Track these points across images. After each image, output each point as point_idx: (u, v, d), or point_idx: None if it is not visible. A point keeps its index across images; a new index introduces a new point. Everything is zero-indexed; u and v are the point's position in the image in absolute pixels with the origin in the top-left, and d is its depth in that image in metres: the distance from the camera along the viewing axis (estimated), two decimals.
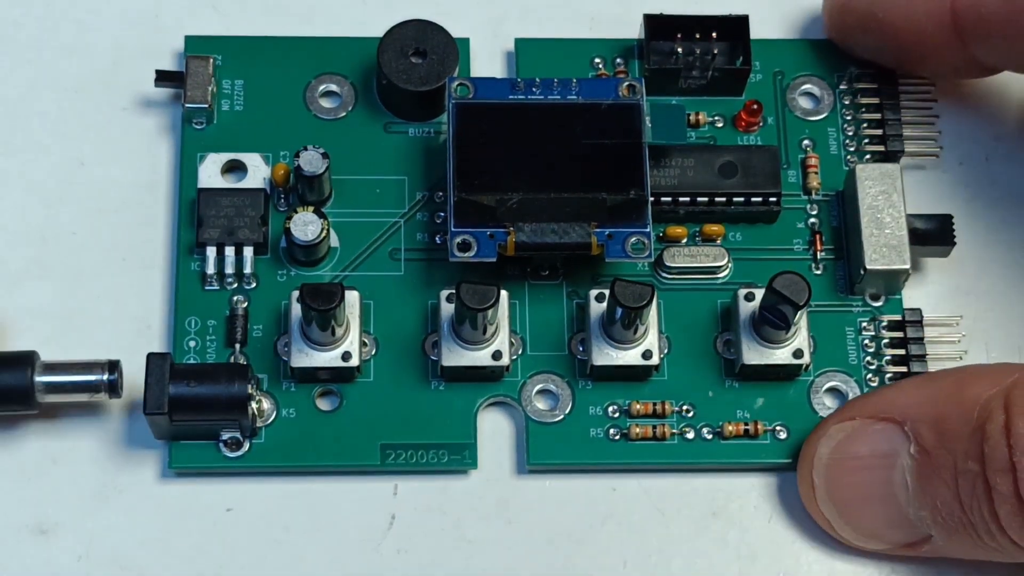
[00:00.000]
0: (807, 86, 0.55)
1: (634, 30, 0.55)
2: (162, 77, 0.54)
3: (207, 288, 0.51)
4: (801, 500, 0.50)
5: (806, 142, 0.55)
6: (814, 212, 0.54)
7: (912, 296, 0.53)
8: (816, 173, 0.54)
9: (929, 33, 0.52)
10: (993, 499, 0.44)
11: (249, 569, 0.49)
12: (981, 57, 0.52)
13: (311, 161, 0.51)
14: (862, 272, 0.52)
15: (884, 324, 0.52)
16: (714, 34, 0.54)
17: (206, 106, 0.53)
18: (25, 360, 0.49)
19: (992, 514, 0.44)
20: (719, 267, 0.53)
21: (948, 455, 0.45)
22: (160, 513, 0.50)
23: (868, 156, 0.54)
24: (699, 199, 0.53)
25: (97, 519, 0.50)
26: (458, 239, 0.50)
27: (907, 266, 0.51)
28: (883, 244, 0.52)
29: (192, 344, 0.51)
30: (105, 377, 0.49)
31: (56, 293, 0.52)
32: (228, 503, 0.50)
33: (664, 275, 0.53)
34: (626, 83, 0.52)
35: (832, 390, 0.52)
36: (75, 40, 0.55)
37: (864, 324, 0.52)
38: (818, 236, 0.53)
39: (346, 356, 0.50)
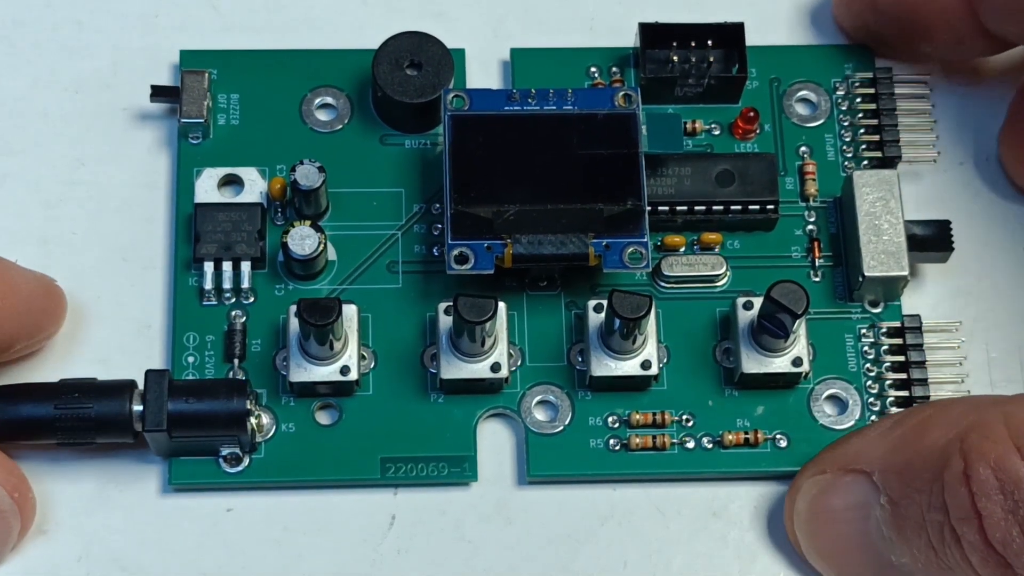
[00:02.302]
0: (803, 92, 0.55)
1: (630, 39, 0.55)
2: (158, 92, 0.53)
3: (205, 303, 0.51)
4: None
5: (803, 149, 0.55)
6: (812, 219, 0.54)
7: (911, 302, 0.53)
8: (813, 180, 0.54)
9: (939, 1, 0.51)
10: (963, 547, 0.43)
11: (249, 569, 0.50)
12: (993, 27, 0.50)
13: (307, 175, 0.51)
14: (860, 279, 0.51)
15: (883, 331, 0.52)
16: (710, 42, 0.54)
17: (202, 120, 0.53)
18: (125, 388, 0.48)
19: (965, 560, 0.44)
20: (717, 276, 0.53)
21: (915, 504, 0.45)
22: (160, 515, 0.50)
23: (865, 162, 0.54)
24: (696, 208, 0.52)
25: (97, 520, 0.50)
26: (455, 251, 0.50)
27: (906, 272, 0.51)
28: (881, 251, 0.51)
29: (191, 360, 0.51)
30: None
31: None
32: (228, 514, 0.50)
33: (662, 284, 0.53)
34: (622, 93, 0.52)
35: (832, 398, 0.52)
36: (75, 40, 0.55)
37: (863, 331, 0.52)
38: (816, 243, 0.53)
39: (345, 370, 0.50)
